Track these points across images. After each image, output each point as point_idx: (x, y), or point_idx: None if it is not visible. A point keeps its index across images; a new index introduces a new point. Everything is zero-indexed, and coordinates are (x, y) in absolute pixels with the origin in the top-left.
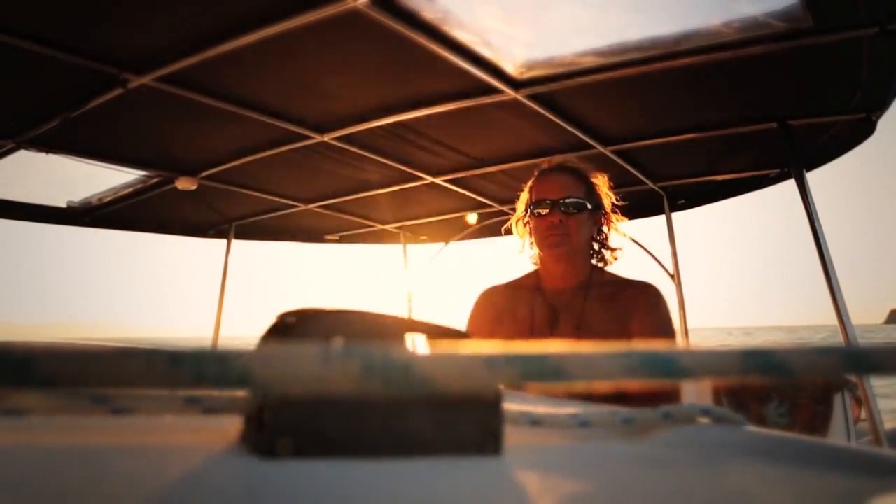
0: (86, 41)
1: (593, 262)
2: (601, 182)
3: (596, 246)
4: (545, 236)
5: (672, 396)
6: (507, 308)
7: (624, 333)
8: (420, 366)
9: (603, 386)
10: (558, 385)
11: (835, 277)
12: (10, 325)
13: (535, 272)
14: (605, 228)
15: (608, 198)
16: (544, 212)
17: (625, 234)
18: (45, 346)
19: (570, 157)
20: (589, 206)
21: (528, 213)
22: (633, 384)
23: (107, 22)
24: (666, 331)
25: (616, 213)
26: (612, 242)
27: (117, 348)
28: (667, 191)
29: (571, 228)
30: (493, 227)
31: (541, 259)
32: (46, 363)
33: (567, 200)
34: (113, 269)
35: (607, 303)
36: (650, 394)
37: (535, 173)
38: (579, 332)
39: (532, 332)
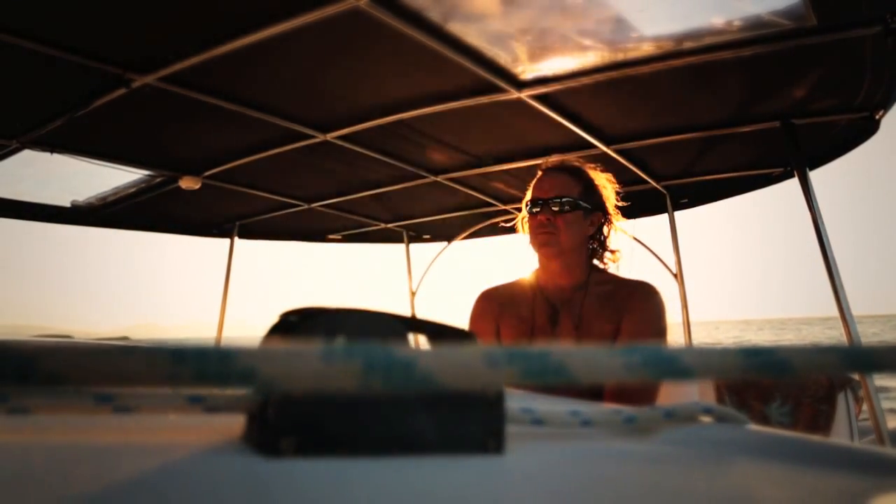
0: (89, 41)
1: (595, 262)
2: (602, 182)
3: (594, 246)
4: (535, 234)
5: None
6: (507, 308)
7: (617, 333)
8: (422, 363)
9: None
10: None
11: (837, 275)
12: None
13: (535, 272)
14: (605, 229)
15: (608, 198)
16: (535, 211)
17: (626, 233)
18: (48, 345)
19: (569, 157)
20: (583, 205)
21: (528, 213)
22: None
23: (110, 22)
24: (652, 329)
25: (618, 213)
26: (612, 244)
27: (119, 346)
28: (669, 190)
29: (560, 227)
30: (496, 226)
31: (538, 258)
32: (49, 361)
33: (556, 199)
34: (129, 268)
35: (604, 302)
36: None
37: (537, 174)
38: (578, 331)
39: (533, 332)
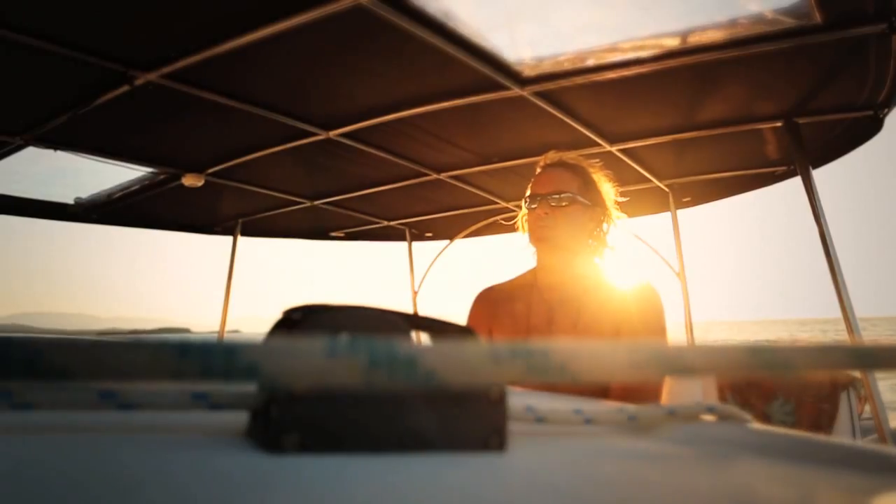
0: (93, 38)
1: (595, 260)
2: (601, 178)
3: (594, 243)
4: (533, 229)
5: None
6: (503, 306)
7: (616, 333)
8: (425, 358)
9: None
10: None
11: (840, 274)
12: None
13: (533, 270)
14: (604, 226)
15: (608, 195)
16: (534, 206)
17: (627, 230)
18: (53, 339)
19: (568, 153)
20: (582, 201)
21: (526, 210)
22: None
23: (114, 19)
24: (651, 329)
25: (618, 208)
26: (610, 240)
27: (125, 341)
28: (672, 188)
29: (558, 221)
30: (498, 224)
31: (536, 255)
32: (54, 356)
33: (555, 195)
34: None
35: (605, 301)
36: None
37: (536, 171)
38: (576, 329)
39: (529, 329)
